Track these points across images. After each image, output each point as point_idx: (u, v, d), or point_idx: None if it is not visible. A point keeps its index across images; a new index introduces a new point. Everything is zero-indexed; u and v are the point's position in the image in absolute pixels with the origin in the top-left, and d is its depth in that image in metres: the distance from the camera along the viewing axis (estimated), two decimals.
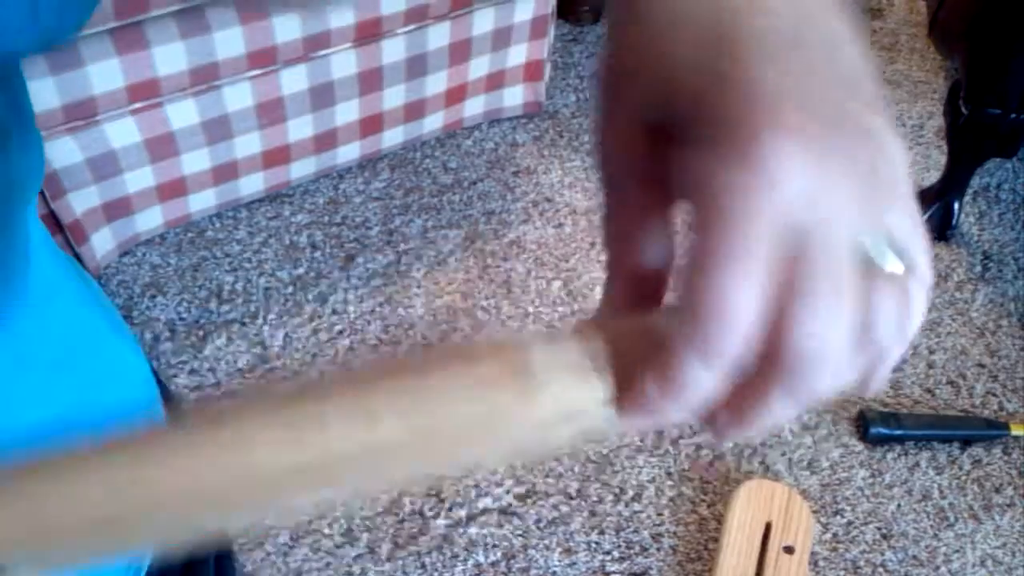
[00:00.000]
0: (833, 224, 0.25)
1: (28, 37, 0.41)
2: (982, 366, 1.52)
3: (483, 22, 1.65)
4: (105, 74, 1.32)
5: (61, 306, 0.55)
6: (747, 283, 0.24)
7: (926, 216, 1.71)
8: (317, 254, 1.61)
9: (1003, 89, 1.53)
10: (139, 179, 1.49)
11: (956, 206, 1.70)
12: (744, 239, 0.24)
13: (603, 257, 0.31)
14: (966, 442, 1.43)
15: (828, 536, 1.31)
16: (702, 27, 0.26)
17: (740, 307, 0.25)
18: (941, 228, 1.71)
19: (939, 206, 1.70)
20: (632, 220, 0.30)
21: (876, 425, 1.40)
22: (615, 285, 0.31)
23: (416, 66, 1.63)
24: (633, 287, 0.31)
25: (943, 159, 1.69)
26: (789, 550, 1.26)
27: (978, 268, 1.67)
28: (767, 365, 0.26)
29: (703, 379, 0.26)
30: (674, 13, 0.27)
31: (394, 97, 1.66)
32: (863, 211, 0.25)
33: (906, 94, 2.03)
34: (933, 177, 1.73)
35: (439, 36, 1.61)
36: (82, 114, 1.34)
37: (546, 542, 1.28)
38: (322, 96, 1.56)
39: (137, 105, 1.39)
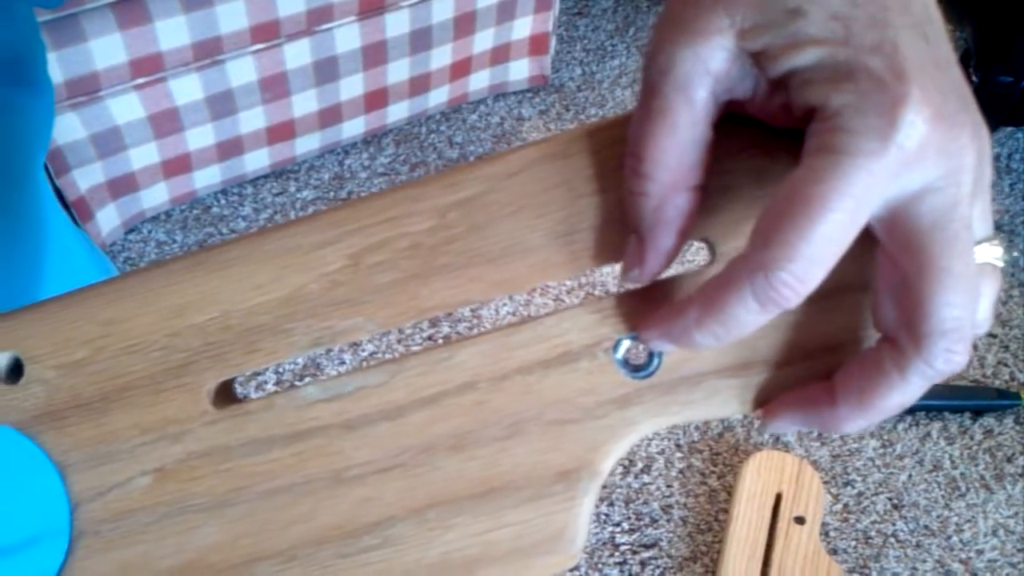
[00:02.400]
0: (962, 206, 0.25)
1: None
2: (993, 336, 1.52)
3: None
4: (107, 49, 1.32)
5: (76, 271, 0.56)
6: (836, 227, 0.24)
7: None
8: None
9: (1013, 57, 1.53)
10: (143, 155, 1.48)
11: None
12: (851, 183, 0.24)
13: (636, 226, 0.29)
14: (977, 412, 1.42)
15: (839, 507, 1.31)
16: None
17: (818, 251, 0.25)
18: None
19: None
20: (684, 197, 0.29)
21: None
22: (651, 264, 0.30)
23: (420, 40, 1.62)
24: (666, 264, 0.30)
25: None
26: (800, 520, 1.26)
27: None
28: (907, 339, 0.26)
29: (749, 319, 0.26)
30: None
31: (399, 71, 1.65)
32: (977, 194, 0.26)
33: None
34: None
35: (443, 9, 1.60)
36: (85, 90, 1.34)
37: None
38: (326, 70, 1.56)
39: (140, 80, 1.38)
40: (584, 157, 0.30)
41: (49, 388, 0.32)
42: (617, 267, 0.30)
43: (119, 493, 0.32)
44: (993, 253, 0.27)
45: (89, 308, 0.32)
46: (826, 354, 0.30)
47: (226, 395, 0.33)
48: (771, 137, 0.29)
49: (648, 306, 0.30)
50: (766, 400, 0.30)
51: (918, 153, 0.24)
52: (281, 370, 1.40)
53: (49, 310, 0.32)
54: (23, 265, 0.50)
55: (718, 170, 0.28)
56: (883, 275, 0.27)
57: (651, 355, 0.31)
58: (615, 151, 0.30)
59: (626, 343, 0.31)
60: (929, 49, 0.25)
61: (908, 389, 0.27)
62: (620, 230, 0.30)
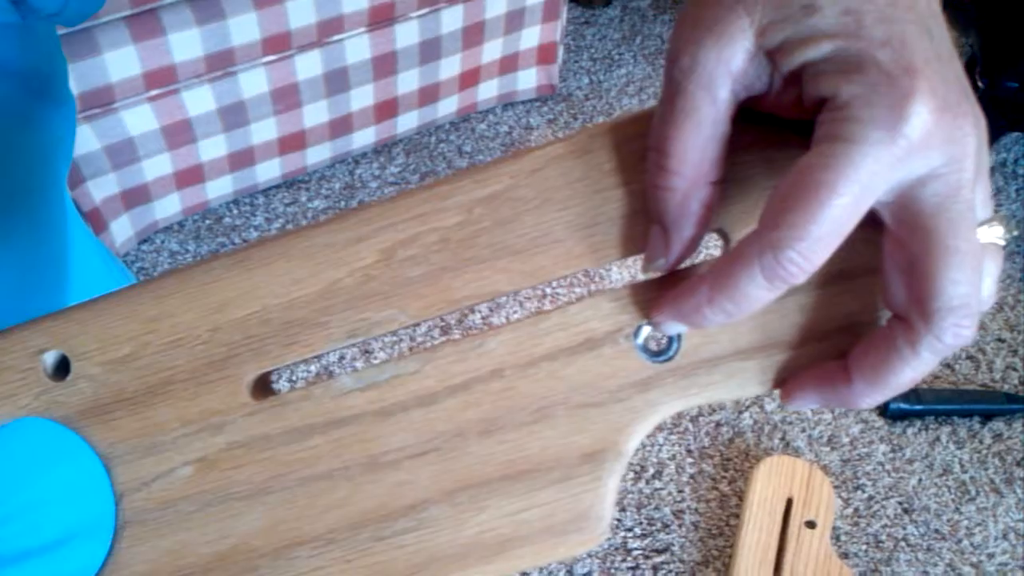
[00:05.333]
0: (965, 189, 0.26)
1: (58, 1, 0.43)
2: (1001, 340, 1.52)
3: (496, 5, 1.66)
4: (121, 61, 1.34)
5: (98, 282, 0.57)
6: (842, 210, 0.26)
7: None
8: None
9: (1019, 63, 1.53)
10: (157, 166, 1.50)
11: None
12: (858, 169, 0.25)
13: (661, 219, 0.30)
14: (987, 416, 1.43)
15: (850, 511, 1.32)
16: None
17: (824, 232, 0.26)
18: None
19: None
20: (706, 191, 0.30)
21: (896, 400, 1.41)
22: (676, 254, 0.31)
23: (430, 50, 1.64)
24: (689, 253, 0.31)
25: None
26: (811, 525, 1.26)
27: None
28: (917, 316, 0.27)
29: (758, 296, 0.27)
30: None
31: (408, 81, 1.66)
32: (979, 179, 0.27)
33: None
34: None
35: (452, 19, 1.62)
36: (99, 102, 1.35)
37: None
38: (337, 81, 1.57)
39: (154, 92, 1.40)
40: (604, 153, 0.31)
41: (95, 384, 0.33)
42: (631, 260, 0.31)
43: (163, 483, 0.34)
44: (995, 233, 0.29)
45: (133, 306, 0.33)
46: (840, 334, 0.31)
47: (265, 387, 0.34)
48: (782, 130, 0.30)
49: (668, 292, 0.31)
50: (784, 380, 0.32)
51: (923, 142, 0.26)
52: (304, 365, 1.41)
53: (94, 309, 0.33)
54: (48, 277, 0.51)
55: (733, 162, 0.30)
56: (891, 257, 0.28)
57: (671, 340, 0.32)
58: (634, 146, 0.31)
59: (646, 329, 0.32)
60: (933, 43, 0.26)
61: (920, 364, 0.28)
62: (640, 222, 0.31)
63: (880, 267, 0.29)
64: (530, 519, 0.32)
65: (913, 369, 0.28)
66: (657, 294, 0.31)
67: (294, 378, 1.41)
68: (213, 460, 0.33)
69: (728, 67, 0.28)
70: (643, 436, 0.33)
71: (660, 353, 0.32)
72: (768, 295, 0.28)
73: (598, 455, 0.32)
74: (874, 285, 0.31)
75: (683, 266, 0.31)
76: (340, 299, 0.33)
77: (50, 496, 0.51)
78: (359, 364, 1.41)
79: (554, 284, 1.56)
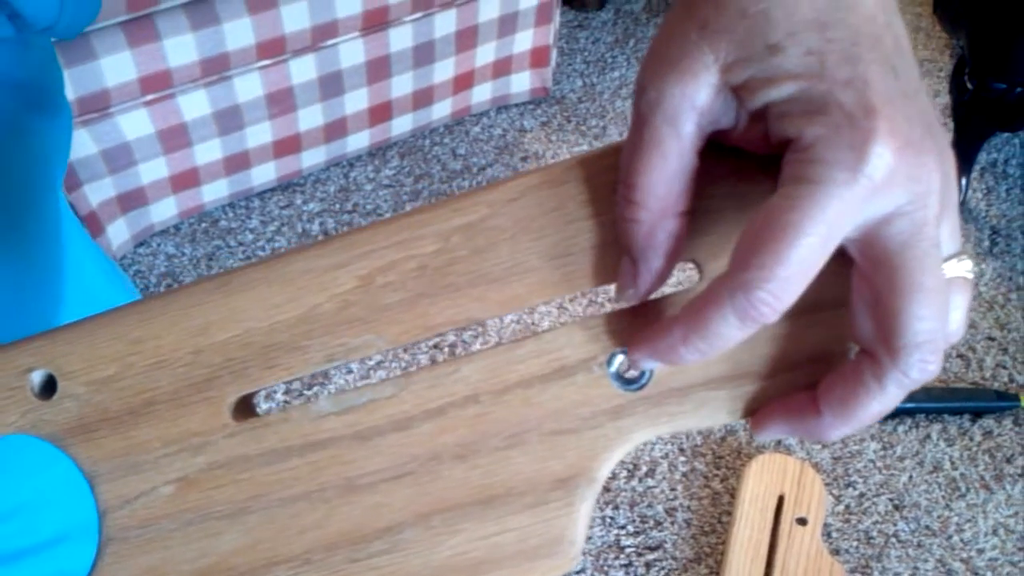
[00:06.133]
0: (929, 226, 0.27)
1: (53, 13, 0.44)
2: (991, 339, 1.53)
3: (489, 9, 1.67)
4: (117, 67, 1.35)
5: (94, 287, 0.58)
6: (810, 250, 0.26)
7: None
8: None
9: (1007, 64, 1.55)
10: (153, 170, 1.51)
11: (963, 182, 1.71)
12: (823, 210, 0.26)
13: (629, 250, 0.31)
14: (977, 414, 1.44)
15: (841, 508, 1.33)
16: (816, 11, 0.27)
17: (794, 272, 0.26)
18: None
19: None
20: (673, 223, 0.30)
21: None
22: (645, 284, 0.31)
23: (423, 54, 1.65)
24: (658, 284, 0.31)
25: (949, 137, 1.70)
26: (802, 522, 1.27)
27: (986, 243, 1.68)
28: (883, 352, 0.28)
29: (731, 335, 0.28)
30: None
31: (402, 85, 1.67)
32: (944, 215, 0.28)
33: None
34: None
35: (446, 24, 1.63)
36: (96, 106, 1.36)
37: None
38: (331, 85, 1.58)
39: (149, 97, 1.41)
40: (578, 184, 0.32)
41: (80, 403, 0.34)
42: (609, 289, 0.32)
43: (145, 501, 0.34)
44: (963, 267, 0.29)
45: (119, 328, 0.34)
46: (809, 366, 0.32)
47: (245, 409, 0.35)
48: (751, 163, 0.30)
49: (640, 323, 0.32)
50: (753, 410, 0.32)
51: (887, 181, 0.26)
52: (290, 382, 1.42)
53: (81, 330, 0.34)
54: (43, 283, 0.52)
55: (703, 195, 0.30)
56: (859, 292, 0.29)
57: (642, 371, 0.33)
58: (606, 178, 0.32)
59: (619, 358, 0.33)
60: (898, 82, 0.27)
61: (886, 397, 0.29)
62: (613, 252, 0.32)
63: (849, 302, 0.29)
64: (503, 543, 0.33)
65: (880, 403, 0.29)
66: (633, 323, 0.32)
67: (275, 398, 1.42)
68: (194, 480, 0.34)
69: (692, 102, 0.28)
70: (615, 462, 0.33)
71: (632, 382, 0.33)
72: (740, 334, 0.28)
73: (571, 481, 0.33)
74: (843, 318, 0.31)
75: (656, 296, 0.32)
76: (319, 324, 0.33)
77: (45, 497, 0.52)
78: (340, 382, 1.43)
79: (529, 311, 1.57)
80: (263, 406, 1.40)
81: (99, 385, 0.34)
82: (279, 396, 1.40)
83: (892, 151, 0.26)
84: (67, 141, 0.55)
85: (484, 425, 0.33)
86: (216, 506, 0.34)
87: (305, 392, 1.41)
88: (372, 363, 1.44)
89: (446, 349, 1.45)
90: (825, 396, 0.30)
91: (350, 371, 1.43)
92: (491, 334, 1.47)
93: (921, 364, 0.27)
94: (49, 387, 0.34)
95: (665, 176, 0.29)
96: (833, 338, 0.31)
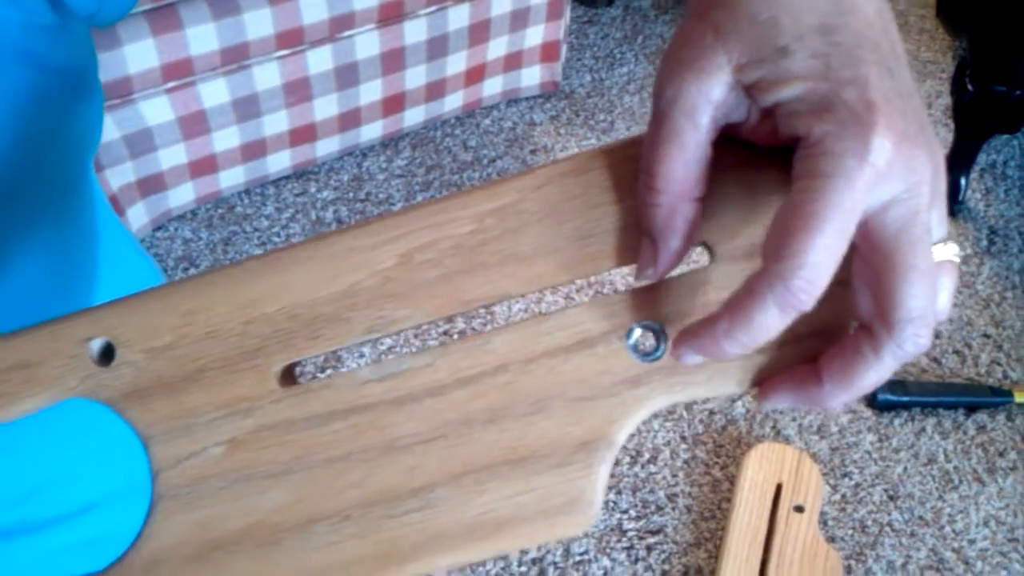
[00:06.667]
0: (922, 212, 0.29)
1: (94, 2, 0.47)
2: (987, 336, 1.57)
3: (501, 4, 1.70)
4: (141, 54, 1.38)
5: (127, 266, 0.60)
6: (834, 237, 0.28)
7: None
8: None
9: (1008, 66, 1.57)
10: (172, 156, 1.54)
11: (963, 182, 1.74)
12: (841, 199, 0.28)
13: (650, 232, 0.33)
14: (971, 409, 1.48)
15: (837, 497, 1.37)
16: (821, 16, 0.29)
17: (823, 259, 0.28)
18: (948, 203, 1.76)
19: (946, 182, 1.75)
20: (690, 207, 0.33)
21: (884, 392, 1.45)
22: (664, 264, 0.33)
23: (437, 47, 1.68)
24: (675, 263, 0.34)
25: (951, 137, 1.73)
26: (799, 509, 1.31)
27: (984, 242, 1.72)
28: (880, 325, 0.30)
29: (774, 325, 0.30)
30: None
31: (416, 77, 1.71)
32: (934, 202, 0.30)
33: (915, 73, 2.07)
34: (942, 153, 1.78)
35: (459, 17, 1.67)
36: (119, 92, 1.40)
37: None
38: (347, 76, 1.62)
39: (171, 84, 1.45)
40: (601, 172, 0.34)
41: (137, 370, 0.36)
42: (623, 269, 0.35)
43: (195, 461, 0.36)
44: (950, 251, 0.32)
45: (173, 300, 0.36)
46: (813, 339, 0.34)
47: (290, 376, 0.37)
48: (759, 154, 0.33)
49: (655, 300, 0.35)
50: (760, 380, 0.35)
51: (887, 169, 0.28)
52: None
53: (138, 302, 0.36)
54: (80, 259, 0.54)
55: (716, 182, 0.33)
56: (859, 273, 0.31)
57: (658, 341, 0.35)
58: (627, 167, 0.34)
59: (637, 331, 0.35)
60: (894, 81, 0.29)
61: (882, 367, 0.31)
62: (632, 235, 0.34)
63: (849, 281, 0.32)
64: (528, 502, 0.35)
65: (876, 372, 0.31)
66: (649, 299, 0.35)
67: (316, 367, 1.45)
68: (242, 441, 0.36)
69: (708, 97, 0.31)
70: (632, 428, 0.35)
71: (649, 353, 0.35)
72: (781, 324, 0.30)
73: (591, 444, 0.35)
74: (845, 296, 0.33)
75: (672, 274, 0.34)
76: (361, 298, 0.35)
77: (75, 468, 0.54)
78: (371, 355, 1.46)
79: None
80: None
81: (155, 353, 0.36)
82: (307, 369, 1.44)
83: (891, 142, 0.28)
84: (100, 123, 0.57)
85: (512, 392, 0.35)
86: (262, 466, 0.36)
87: (337, 366, 1.44)
88: (401, 338, 1.47)
89: (455, 335, 1.49)
90: (827, 367, 0.32)
91: (361, 355, 1.47)
92: (499, 320, 1.50)
93: (915, 337, 0.30)
94: (107, 354, 0.36)
95: (683, 164, 0.31)
96: (835, 314, 0.33)
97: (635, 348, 0.35)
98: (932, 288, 0.30)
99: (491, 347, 0.35)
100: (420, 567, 0.36)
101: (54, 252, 0.51)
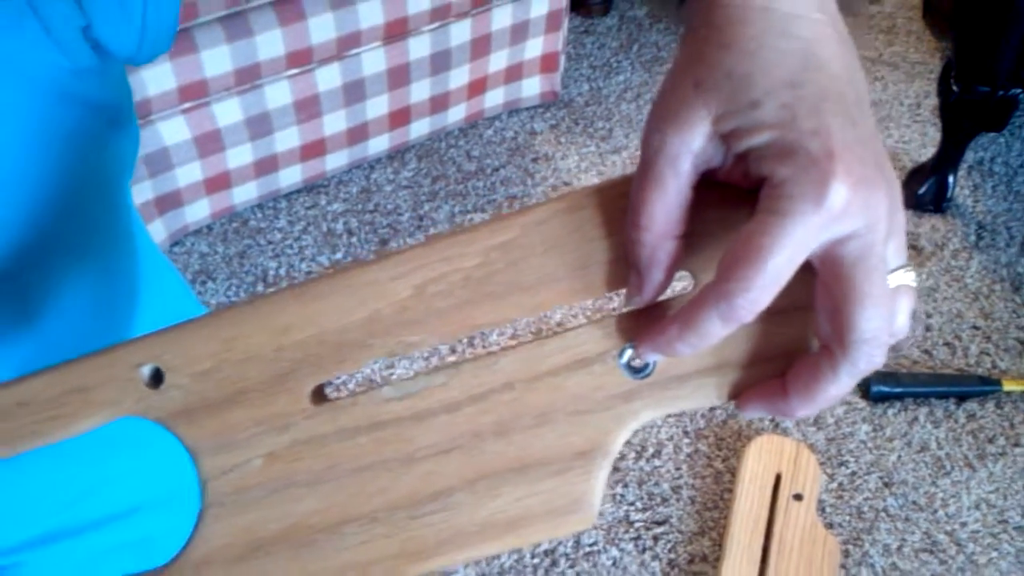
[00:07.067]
0: (877, 246, 0.32)
1: (133, 46, 0.51)
2: (976, 328, 1.63)
3: (502, 18, 1.76)
4: (158, 77, 1.44)
5: (164, 287, 0.65)
6: (779, 265, 0.31)
7: (923, 189, 1.81)
8: (353, 240, 1.73)
9: (990, 68, 1.62)
10: (188, 173, 1.60)
11: (951, 179, 1.80)
12: (791, 234, 0.31)
13: (636, 265, 0.36)
14: (961, 398, 1.53)
15: (834, 485, 1.42)
16: (790, 72, 0.32)
17: (766, 282, 0.32)
18: (937, 200, 1.81)
19: (935, 180, 1.80)
20: (671, 244, 0.35)
21: (878, 384, 1.51)
22: (648, 294, 0.36)
23: (440, 62, 1.74)
24: (659, 293, 0.37)
25: (939, 136, 1.78)
26: (798, 498, 1.37)
27: (972, 237, 1.77)
28: (836, 346, 0.33)
29: (716, 332, 0.34)
30: (761, 45, 0.33)
31: (420, 91, 1.77)
32: (891, 235, 0.33)
33: (904, 75, 2.13)
34: (930, 153, 1.84)
35: (461, 33, 1.72)
36: (138, 114, 1.45)
37: None
38: (354, 92, 1.67)
39: (187, 105, 1.50)
40: (594, 210, 0.37)
41: (184, 392, 0.39)
42: (620, 293, 0.39)
43: (238, 472, 0.39)
44: (908, 277, 0.34)
45: (214, 329, 0.39)
46: (781, 358, 0.37)
47: (320, 395, 0.40)
48: (735, 194, 0.35)
49: (645, 322, 0.37)
50: (736, 394, 0.38)
51: (843, 211, 0.31)
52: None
53: (183, 331, 0.39)
54: (123, 277, 0.57)
55: (696, 220, 0.36)
56: (820, 298, 0.34)
57: (647, 362, 0.38)
58: (619, 204, 0.37)
59: (629, 351, 0.38)
60: (855, 130, 0.32)
61: (840, 383, 0.34)
62: (623, 265, 0.37)
63: (812, 305, 0.35)
64: (534, 504, 0.38)
65: (835, 387, 0.34)
66: (640, 322, 0.38)
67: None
68: (279, 455, 0.39)
69: (689, 147, 0.34)
70: (626, 437, 0.38)
71: (639, 371, 0.38)
72: (724, 331, 0.34)
73: (589, 453, 0.38)
74: (808, 319, 0.36)
75: (659, 299, 0.38)
76: (382, 325, 0.38)
77: (120, 474, 0.58)
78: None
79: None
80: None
81: (199, 377, 0.39)
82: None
83: (848, 187, 0.31)
84: (136, 150, 0.61)
85: (518, 407, 0.38)
86: (298, 476, 0.39)
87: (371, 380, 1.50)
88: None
89: (467, 352, 1.54)
90: (792, 383, 0.36)
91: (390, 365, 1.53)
92: (492, 337, 1.56)
93: (868, 356, 0.33)
94: (157, 378, 0.39)
95: (665, 207, 0.34)
96: (799, 336, 0.37)
97: (627, 366, 0.38)
98: (886, 312, 0.33)
99: (499, 367, 0.38)
100: (441, 562, 0.39)
101: (100, 274, 0.55)
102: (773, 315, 0.34)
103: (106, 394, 0.39)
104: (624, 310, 0.38)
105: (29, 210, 0.48)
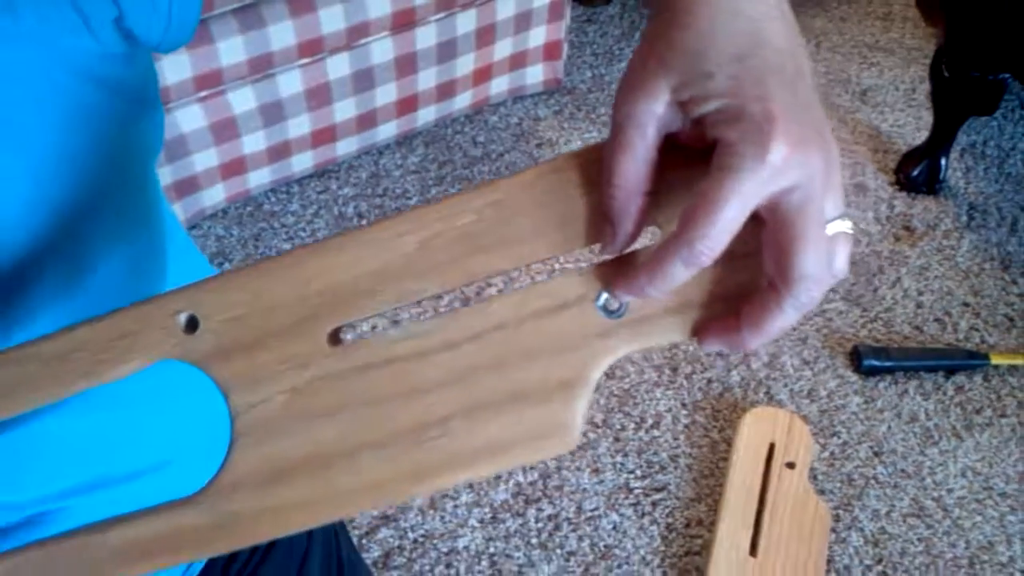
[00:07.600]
0: (815, 197, 0.36)
1: (158, 36, 0.55)
2: (966, 305, 1.68)
3: (506, 7, 1.81)
4: (176, 67, 1.50)
5: (188, 257, 0.69)
6: (731, 215, 0.36)
7: (917, 171, 1.86)
8: (363, 223, 1.79)
9: (980, 53, 1.67)
10: (205, 159, 1.66)
11: (944, 162, 1.85)
12: (739, 188, 0.35)
13: (609, 218, 0.40)
14: (950, 371, 1.59)
15: (826, 454, 1.48)
16: (739, 48, 0.36)
17: (720, 230, 0.36)
18: (930, 182, 1.86)
19: (928, 162, 1.85)
20: (640, 199, 0.39)
21: (869, 358, 1.57)
22: (620, 243, 0.40)
23: (446, 50, 1.79)
24: (630, 242, 0.41)
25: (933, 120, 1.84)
26: (791, 466, 1.42)
27: (964, 218, 1.83)
28: (781, 283, 0.37)
29: (680, 275, 0.38)
30: (714, 25, 0.37)
31: (427, 79, 1.82)
32: (828, 189, 0.37)
33: (899, 60, 2.18)
34: (924, 136, 1.88)
35: (467, 22, 1.78)
36: None
37: (577, 464, 1.47)
38: (363, 80, 1.73)
39: (203, 93, 1.56)
40: (574, 172, 0.41)
41: (217, 336, 0.43)
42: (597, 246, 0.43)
43: (265, 406, 0.43)
44: (845, 226, 0.38)
45: (241, 281, 0.43)
46: (735, 297, 0.41)
47: (336, 337, 0.43)
48: (695, 155, 0.39)
49: (619, 269, 0.41)
50: (697, 331, 0.42)
51: (783, 166, 0.35)
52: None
53: (214, 283, 0.43)
54: (153, 253, 0.61)
55: (661, 179, 0.39)
56: (767, 243, 0.38)
57: (620, 304, 0.42)
58: (595, 167, 0.41)
59: (604, 295, 0.42)
60: (795, 98, 0.36)
61: (785, 316, 0.38)
62: (600, 220, 0.41)
63: (761, 250, 0.39)
64: (522, 428, 0.42)
65: (781, 320, 0.38)
66: (614, 270, 0.41)
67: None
68: (300, 390, 0.43)
69: (654, 114, 0.38)
70: (604, 369, 0.42)
71: (614, 312, 0.42)
72: (686, 275, 0.38)
73: (571, 384, 0.42)
74: (758, 262, 0.40)
75: (630, 250, 0.41)
76: (390, 275, 0.42)
77: (153, 431, 0.62)
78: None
79: (561, 259, 1.72)
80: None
81: (230, 323, 0.43)
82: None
83: (787, 145, 0.35)
84: (161, 131, 0.63)
85: (509, 345, 0.42)
86: (316, 408, 0.43)
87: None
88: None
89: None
90: (744, 318, 0.40)
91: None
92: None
93: (807, 291, 0.37)
94: (192, 325, 0.43)
95: (635, 166, 0.39)
96: (751, 277, 0.41)
97: (603, 308, 0.42)
98: (824, 253, 0.37)
99: (492, 311, 0.43)
100: (441, 482, 0.43)
101: (133, 243, 0.58)
102: (728, 260, 0.39)
103: (148, 338, 0.43)
104: (600, 259, 0.42)
105: (69, 184, 0.51)
